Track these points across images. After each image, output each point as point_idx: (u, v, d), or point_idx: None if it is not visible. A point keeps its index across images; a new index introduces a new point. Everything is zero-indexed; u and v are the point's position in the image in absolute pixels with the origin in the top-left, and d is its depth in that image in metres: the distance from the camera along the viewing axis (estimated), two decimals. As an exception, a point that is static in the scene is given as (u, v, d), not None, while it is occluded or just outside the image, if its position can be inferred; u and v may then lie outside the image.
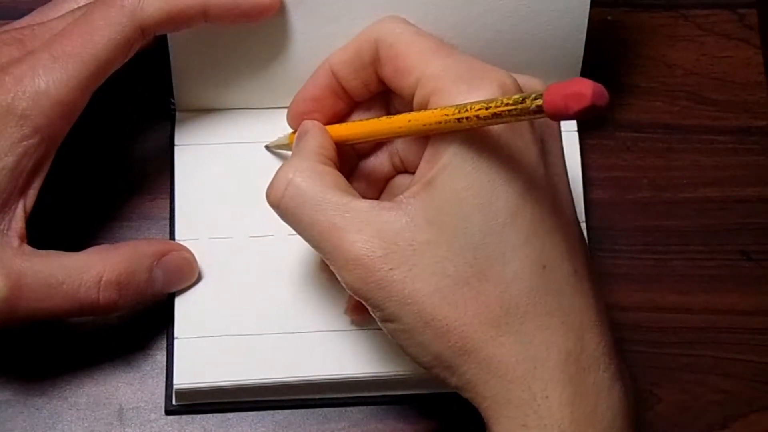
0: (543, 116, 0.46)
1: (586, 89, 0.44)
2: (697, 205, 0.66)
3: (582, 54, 0.62)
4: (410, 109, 0.53)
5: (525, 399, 0.50)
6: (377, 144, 0.59)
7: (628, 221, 0.65)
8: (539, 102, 0.46)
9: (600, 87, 0.44)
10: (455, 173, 0.51)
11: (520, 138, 0.52)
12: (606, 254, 0.64)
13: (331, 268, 0.53)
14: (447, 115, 0.50)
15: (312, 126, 0.57)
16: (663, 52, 0.68)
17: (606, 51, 0.68)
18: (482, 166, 0.51)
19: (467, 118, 0.49)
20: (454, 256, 0.51)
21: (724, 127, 0.67)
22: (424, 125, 0.51)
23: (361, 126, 0.56)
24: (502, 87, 0.51)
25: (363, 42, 0.56)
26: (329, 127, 0.57)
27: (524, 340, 0.51)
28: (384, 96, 0.58)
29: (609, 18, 0.68)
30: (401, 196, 0.52)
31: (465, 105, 0.49)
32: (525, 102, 0.47)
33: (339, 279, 0.53)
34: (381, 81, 0.56)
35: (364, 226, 0.51)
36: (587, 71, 0.62)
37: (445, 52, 0.54)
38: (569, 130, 0.64)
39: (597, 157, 0.66)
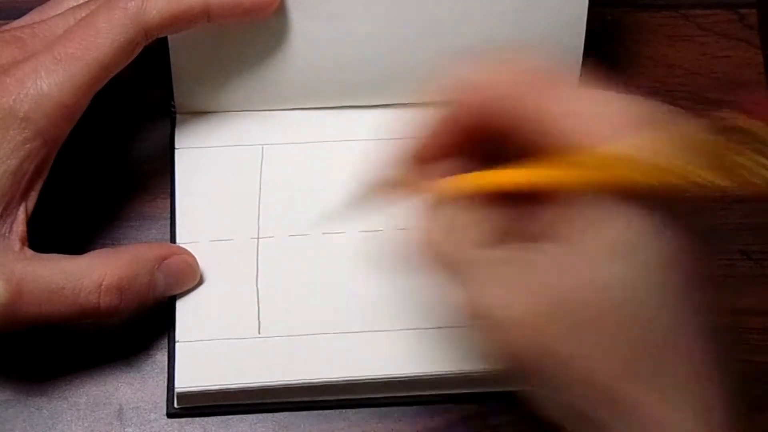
0: None
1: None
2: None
3: (581, 54, 0.62)
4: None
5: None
6: None
7: (628, 221, 0.65)
8: None
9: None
10: (604, 218, 0.46)
11: None
12: (606, 254, 0.64)
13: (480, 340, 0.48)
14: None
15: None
16: (663, 52, 0.68)
17: (606, 51, 0.68)
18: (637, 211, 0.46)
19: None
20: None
21: (724, 127, 0.67)
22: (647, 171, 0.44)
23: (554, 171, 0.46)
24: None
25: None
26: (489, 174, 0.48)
27: (665, 384, 0.47)
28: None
29: (609, 18, 0.68)
30: (542, 245, 0.47)
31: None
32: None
33: (490, 351, 0.48)
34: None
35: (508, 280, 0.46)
36: (587, 71, 0.62)
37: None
38: (570, 131, 0.64)
39: (597, 157, 0.66)
